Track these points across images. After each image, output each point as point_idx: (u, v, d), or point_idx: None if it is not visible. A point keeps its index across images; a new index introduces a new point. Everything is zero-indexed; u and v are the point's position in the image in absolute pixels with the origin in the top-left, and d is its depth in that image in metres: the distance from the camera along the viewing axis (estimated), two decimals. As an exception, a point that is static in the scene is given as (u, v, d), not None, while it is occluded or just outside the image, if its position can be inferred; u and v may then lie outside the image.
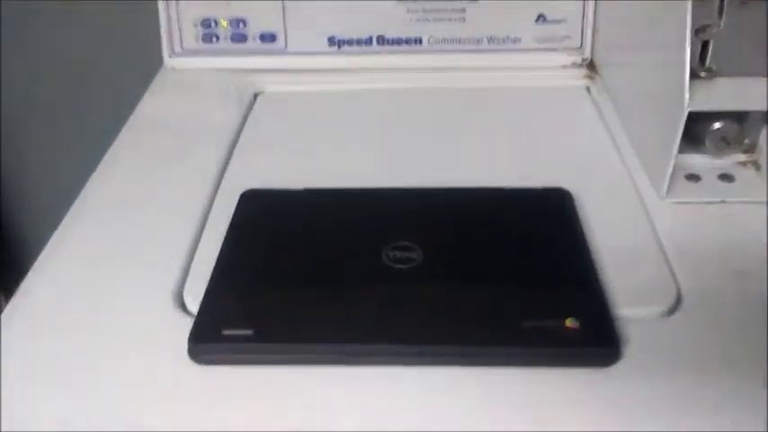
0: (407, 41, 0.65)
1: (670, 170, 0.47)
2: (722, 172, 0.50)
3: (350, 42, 0.65)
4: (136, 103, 0.63)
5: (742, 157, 0.51)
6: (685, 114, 0.44)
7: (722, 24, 0.46)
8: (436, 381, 0.36)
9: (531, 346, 0.36)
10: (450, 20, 0.64)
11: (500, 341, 0.37)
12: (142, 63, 0.67)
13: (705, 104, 0.44)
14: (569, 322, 0.37)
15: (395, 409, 0.35)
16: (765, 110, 0.46)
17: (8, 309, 0.41)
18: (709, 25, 0.46)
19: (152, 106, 0.62)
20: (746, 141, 0.50)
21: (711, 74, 0.46)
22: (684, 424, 0.34)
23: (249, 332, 0.37)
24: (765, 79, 0.45)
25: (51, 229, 0.48)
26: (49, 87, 0.87)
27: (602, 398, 0.35)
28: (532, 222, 0.45)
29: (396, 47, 0.65)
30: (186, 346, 0.37)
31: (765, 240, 0.44)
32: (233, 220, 0.45)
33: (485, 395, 0.35)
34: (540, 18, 0.64)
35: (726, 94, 0.45)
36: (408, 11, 0.64)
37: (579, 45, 0.65)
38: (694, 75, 0.45)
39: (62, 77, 0.87)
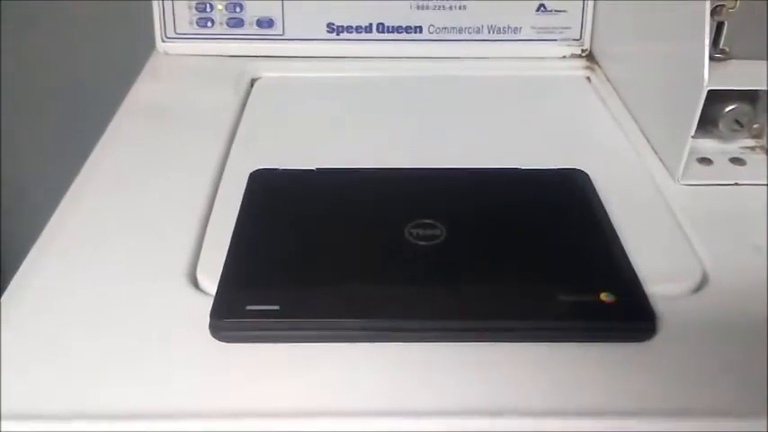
0: (407, 29, 0.64)
1: (686, 152, 0.46)
2: (732, 156, 0.50)
3: (349, 29, 0.63)
4: (126, 90, 0.60)
5: (750, 142, 0.51)
6: (704, 93, 0.44)
7: (737, 5, 0.46)
8: (469, 357, 0.35)
9: (568, 319, 0.35)
10: (450, 8, 0.63)
11: (536, 315, 0.35)
12: (132, 47, 0.65)
13: (723, 83, 0.44)
14: (604, 296, 0.36)
15: (425, 387, 0.34)
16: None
17: (8, 294, 0.39)
18: (723, 5, 0.46)
19: (145, 92, 0.60)
20: (756, 126, 0.50)
21: (726, 55, 0.46)
22: (722, 396, 0.33)
23: (275, 307, 0.35)
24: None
25: (44, 220, 0.45)
26: (36, 74, 0.84)
27: (642, 372, 0.34)
28: (553, 201, 0.44)
29: (395, 35, 0.64)
30: (206, 325, 0.35)
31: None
32: (245, 198, 0.44)
33: (520, 372, 0.34)
34: (541, 8, 0.64)
35: (742, 74, 0.45)
36: (409, -2, 0.63)
37: (579, 36, 0.65)
38: (709, 57, 0.45)
39: (50, 63, 0.83)
